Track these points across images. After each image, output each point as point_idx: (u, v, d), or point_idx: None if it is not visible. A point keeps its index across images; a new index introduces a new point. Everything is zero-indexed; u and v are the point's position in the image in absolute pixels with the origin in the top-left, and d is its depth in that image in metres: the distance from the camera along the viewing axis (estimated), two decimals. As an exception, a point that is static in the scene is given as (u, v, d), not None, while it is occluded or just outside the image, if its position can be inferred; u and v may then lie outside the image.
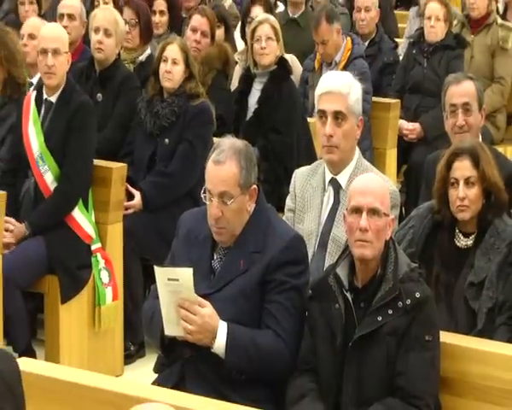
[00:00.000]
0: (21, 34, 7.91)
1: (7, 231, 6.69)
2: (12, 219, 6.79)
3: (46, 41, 7.01)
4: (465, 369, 4.82)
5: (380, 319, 4.66)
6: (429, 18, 8.89)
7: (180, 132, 7.32)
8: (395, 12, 12.20)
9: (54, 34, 7.10)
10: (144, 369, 6.49)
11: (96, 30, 7.74)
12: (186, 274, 4.85)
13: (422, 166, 6.68)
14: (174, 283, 4.89)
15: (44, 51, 6.93)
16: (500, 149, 7.50)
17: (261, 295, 4.97)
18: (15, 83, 7.37)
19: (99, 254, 7.03)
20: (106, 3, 9.10)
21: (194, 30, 8.41)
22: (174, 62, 7.36)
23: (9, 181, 6.95)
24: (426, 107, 8.51)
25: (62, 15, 8.40)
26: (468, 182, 5.29)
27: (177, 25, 9.15)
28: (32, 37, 7.89)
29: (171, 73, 7.36)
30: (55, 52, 6.80)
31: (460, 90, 6.28)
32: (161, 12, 9.12)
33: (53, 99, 6.95)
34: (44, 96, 6.97)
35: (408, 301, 4.64)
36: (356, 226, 4.72)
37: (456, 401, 4.83)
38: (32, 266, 6.88)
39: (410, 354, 4.64)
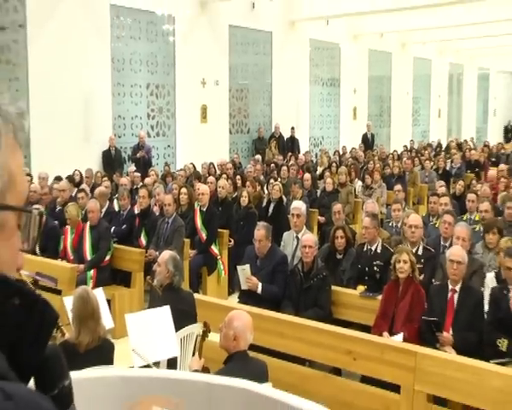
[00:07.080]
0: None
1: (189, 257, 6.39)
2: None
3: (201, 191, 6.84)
4: (341, 298, 4.74)
5: (312, 282, 4.69)
6: (326, 183, 8.73)
7: (252, 220, 7.02)
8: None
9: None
10: (234, 297, 6.21)
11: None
12: (247, 267, 4.91)
13: (326, 232, 6.67)
14: (243, 270, 4.93)
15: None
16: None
17: (273, 274, 4.93)
18: (190, 203, 7.02)
19: (219, 259, 6.84)
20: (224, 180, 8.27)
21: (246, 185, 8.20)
22: (244, 197, 7.24)
23: (188, 236, 6.65)
24: (328, 211, 8.08)
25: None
26: (343, 236, 5.22)
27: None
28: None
29: (245, 201, 7.24)
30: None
31: (336, 207, 6.35)
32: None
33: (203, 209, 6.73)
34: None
35: (321, 276, 4.71)
36: (305, 252, 4.75)
37: (338, 309, 4.73)
38: (199, 265, 6.64)
39: (322, 292, 4.66)
